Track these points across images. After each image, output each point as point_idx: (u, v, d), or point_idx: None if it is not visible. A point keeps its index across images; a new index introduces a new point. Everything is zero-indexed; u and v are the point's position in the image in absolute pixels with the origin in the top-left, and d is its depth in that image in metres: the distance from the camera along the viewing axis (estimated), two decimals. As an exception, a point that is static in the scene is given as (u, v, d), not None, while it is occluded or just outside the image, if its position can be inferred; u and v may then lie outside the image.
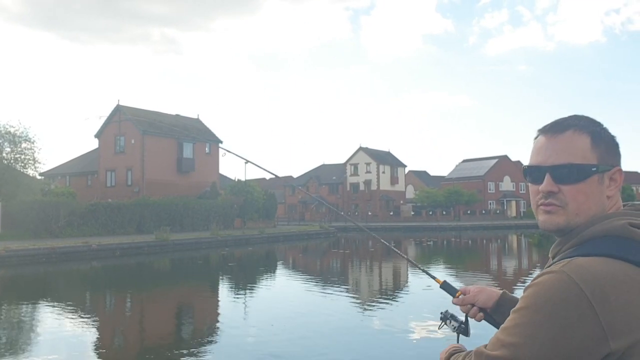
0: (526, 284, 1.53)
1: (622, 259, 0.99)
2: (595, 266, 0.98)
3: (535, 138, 1.19)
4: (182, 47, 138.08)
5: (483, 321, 1.53)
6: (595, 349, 0.93)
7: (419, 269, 1.82)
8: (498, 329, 1.45)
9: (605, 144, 1.12)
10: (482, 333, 1.50)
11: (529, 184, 1.20)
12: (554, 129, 1.14)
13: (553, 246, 1.17)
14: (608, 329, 0.93)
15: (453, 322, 1.55)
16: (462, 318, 1.54)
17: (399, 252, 1.91)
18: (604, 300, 0.94)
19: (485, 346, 1.08)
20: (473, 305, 1.50)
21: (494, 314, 1.48)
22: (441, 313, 1.59)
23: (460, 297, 1.53)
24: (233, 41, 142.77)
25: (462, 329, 1.53)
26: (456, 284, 1.61)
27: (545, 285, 0.99)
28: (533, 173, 1.16)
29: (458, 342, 1.52)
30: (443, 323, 1.57)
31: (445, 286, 1.60)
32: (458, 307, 1.57)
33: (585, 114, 1.18)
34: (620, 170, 1.13)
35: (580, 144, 1.11)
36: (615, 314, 0.93)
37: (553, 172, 1.12)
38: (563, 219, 1.12)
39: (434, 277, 1.66)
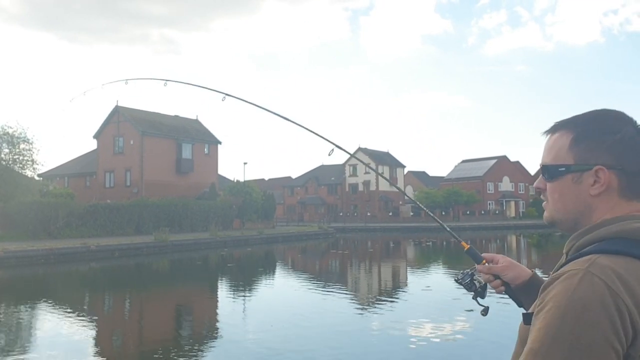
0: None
1: None
2: (620, 266, 0.98)
3: None
4: (181, 48, 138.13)
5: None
6: (632, 351, 0.93)
7: (448, 232, 1.80)
8: (517, 304, 1.47)
9: (587, 143, 1.12)
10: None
11: None
12: (549, 130, 1.21)
13: (567, 242, 1.17)
14: None
15: (470, 282, 1.53)
16: (482, 281, 1.52)
17: (445, 227, 1.87)
18: (636, 304, 0.94)
19: None
20: (497, 277, 1.48)
21: (518, 292, 1.47)
22: (461, 272, 1.56)
23: (486, 265, 1.51)
24: (232, 41, 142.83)
25: (479, 292, 1.52)
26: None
27: (577, 290, 0.96)
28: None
29: (475, 300, 1.54)
30: (461, 279, 1.54)
31: (471, 252, 1.57)
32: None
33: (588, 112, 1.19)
34: (602, 169, 1.10)
35: (559, 145, 1.16)
36: None
37: (541, 170, 1.21)
38: (548, 214, 1.20)
39: (460, 241, 1.66)
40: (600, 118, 1.14)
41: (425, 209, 1.88)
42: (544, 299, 1.00)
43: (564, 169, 1.14)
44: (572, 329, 0.93)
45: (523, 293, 1.46)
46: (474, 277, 1.53)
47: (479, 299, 1.53)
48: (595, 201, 1.11)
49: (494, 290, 1.52)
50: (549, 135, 1.20)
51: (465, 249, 1.59)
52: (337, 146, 1.98)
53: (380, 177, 73.40)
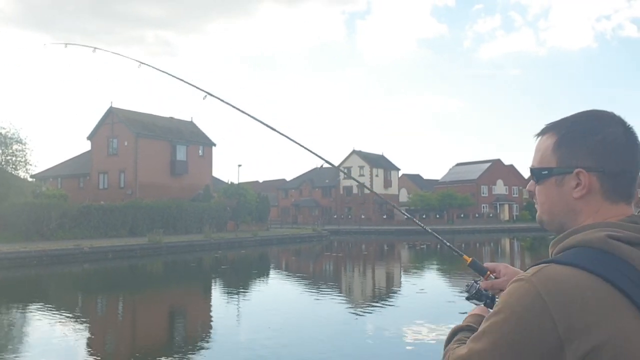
0: None
1: (595, 274, 0.97)
2: (564, 279, 0.98)
3: None
4: (176, 50, 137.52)
5: None
6: (554, 358, 0.94)
7: (448, 246, 1.76)
8: None
9: (570, 145, 1.12)
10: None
11: None
12: (540, 132, 1.20)
13: (549, 247, 1.17)
14: (566, 341, 0.93)
15: (478, 292, 1.52)
16: (486, 295, 1.51)
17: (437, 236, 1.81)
18: (565, 316, 0.94)
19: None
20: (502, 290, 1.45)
21: None
22: (467, 285, 1.55)
23: (490, 279, 1.51)
24: (228, 44, 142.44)
25: (489, 303, 1.49)
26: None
27: (514, 294, 1.02)
28: None
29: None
30: (471, 294, 1.53)
31: (473, 265, 1.56)
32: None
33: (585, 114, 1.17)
34: (582, 172, 1.08)
35: (544, 147, 1.16)
36: (574, 329, 0.93)
37: (531, 173, 1.21)
38: (538, 216, 1.21)
39: (462, 255, 1.64)
40: (583, 119, 1.14)
41: (436, 234, 1.79)
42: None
43: (546, 171, 1.14)
44: (497, 328, 1.01)
45: None
46: (480, 292, 1.52)
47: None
48: (579, 204, 1.11)
49: None
50: (538, 137, 1.20)
51: (468, 262, 1.58)
52: (326, 161, 1.96)
53: (374, 180, 73.57)
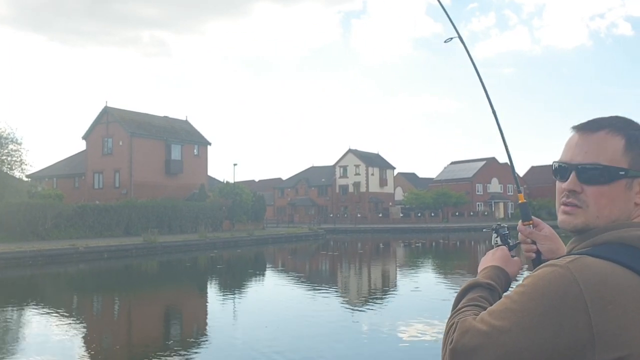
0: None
1: (633, 270, 0.95)
2: (601, 270, 0.95)
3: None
4: (171, 50, 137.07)
5: None
6: (580, 353, 0.91)
7: (517, 186, 1.64)
8: None
9: None
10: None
11: (557, 182, 1.15)
12: (587, 127, 1.11)
13: (569, 243, 1.14)
14: (598, 337, 0.90)
15: (505, 235, 1.49)
16: (513, 241, 1.48)
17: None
18: (600, 307, 0.90)
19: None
20: (534, 242, 1.39)
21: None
22: (497, 225, 1.52)
23: (528, 227, 1.41)
24: (223, 44, 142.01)
25: (511, 248, 1.47)
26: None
27: (546, 277, 0.97)
28: (561, 170, 1.13)
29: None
30: (498, 229, 1.50)
31: (523, 206, 1.48)
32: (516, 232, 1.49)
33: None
34: None
35: (612, 146, 1.07)
36: (608, 324, 0.90)
37: (579, 171, 1.09)
38: (581, 220, 1.09)
39: (520, 191, 1.56)
40: (638, 124, 1.10)
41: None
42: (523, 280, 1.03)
43: (623, 172, 1.05)
44: (524, 308, 0.95)
45: None
46: (506, 237, 1.50)
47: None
48: (633, 209, 1.07)
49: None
50: (587, 133, 1.10)
51: (521, 201, 1.50)
52: (459, 36, 1.95)
53: (369, 179, 73.65)
